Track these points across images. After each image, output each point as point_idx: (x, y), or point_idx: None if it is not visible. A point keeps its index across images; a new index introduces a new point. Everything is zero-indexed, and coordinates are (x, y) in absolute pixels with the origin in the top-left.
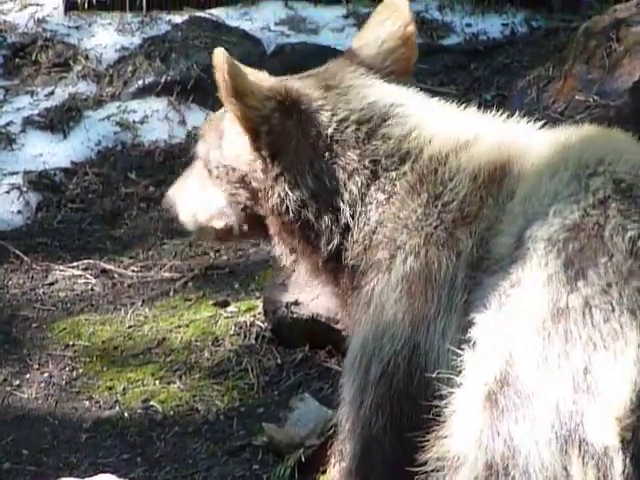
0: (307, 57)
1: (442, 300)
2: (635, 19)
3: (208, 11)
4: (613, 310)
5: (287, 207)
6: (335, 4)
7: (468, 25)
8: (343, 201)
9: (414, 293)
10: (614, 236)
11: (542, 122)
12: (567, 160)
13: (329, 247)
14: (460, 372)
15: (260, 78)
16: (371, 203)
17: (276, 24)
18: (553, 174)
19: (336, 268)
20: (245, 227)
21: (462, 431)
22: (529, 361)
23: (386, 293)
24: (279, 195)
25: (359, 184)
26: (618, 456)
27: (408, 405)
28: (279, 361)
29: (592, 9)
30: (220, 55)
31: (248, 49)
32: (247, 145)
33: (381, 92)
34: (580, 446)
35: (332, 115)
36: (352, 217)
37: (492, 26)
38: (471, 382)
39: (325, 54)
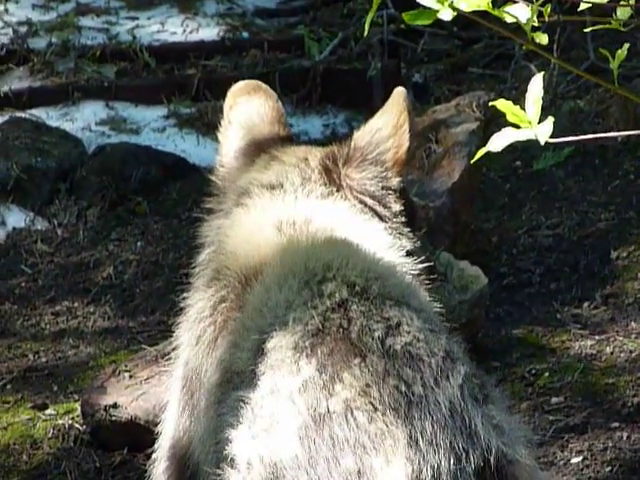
0: (128, 157)
1: (205, 407)
2: (454, 120)
3: (29, 111)
4: (376, 410)
5: None
6: (156, 104)
7: (290, 125)
8: None
9: (190, 388)
10: (362, 337)
11: None
12: (293, 269)
13: None
14: None
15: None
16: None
17: (97, 124)
18: (281, 284)
19: None
20: None
21: None
22: (297, 470)
23: (175, 379)
24: None
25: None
26: None
27: None
28: (97, 464)
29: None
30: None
31: (68, 149)
32: None
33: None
34: None
35: None
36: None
37: (313, 127)
38: None
39: (146, 154)
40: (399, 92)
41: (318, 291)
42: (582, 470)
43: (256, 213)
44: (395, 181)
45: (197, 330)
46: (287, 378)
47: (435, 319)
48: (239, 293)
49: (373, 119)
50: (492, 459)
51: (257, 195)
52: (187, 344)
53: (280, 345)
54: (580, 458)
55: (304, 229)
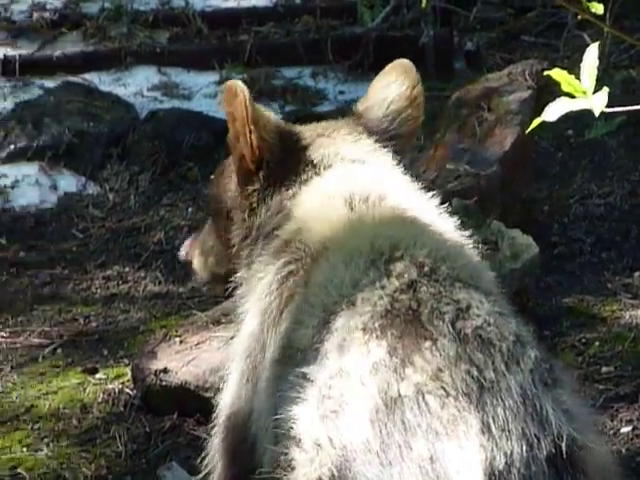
0: (179, 123)
1: (265, 382)
2: (506, 89)
3: (81, 76)
4: (448, 395)
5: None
6: (208, 70)
7: (341, 92)
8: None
9: (254, 360)
10: (433, 320)
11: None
12: (359, 247)
13: None
14: (289, 471)
15: (268, 112)
16: (257, 256)
17: (149, 89)
18: (347, 262)
19: None
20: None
21: None
22: (368, 454)
23: (239, 348)
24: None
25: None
26: None
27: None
28: (147, 429)
29: (464, 77)
30: (237, 84)
31: (121, 114)
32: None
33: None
34: None
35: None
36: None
37: (364, 93)
38: None
39: (198, 120)
40: (403, 63)
41: (386, 271)
42: (632, 439)
43: (331, 186)
44: (407, 156)
45: (263, 302)
46: (357, 360)
47: (503, 302)
48: (308, 269)
49: (375, 90)
50: (563, 445)
51: (336, 167)
52: (252, 315)
53: (348, 325)
54: (630, 427)
55: (376, 206)
